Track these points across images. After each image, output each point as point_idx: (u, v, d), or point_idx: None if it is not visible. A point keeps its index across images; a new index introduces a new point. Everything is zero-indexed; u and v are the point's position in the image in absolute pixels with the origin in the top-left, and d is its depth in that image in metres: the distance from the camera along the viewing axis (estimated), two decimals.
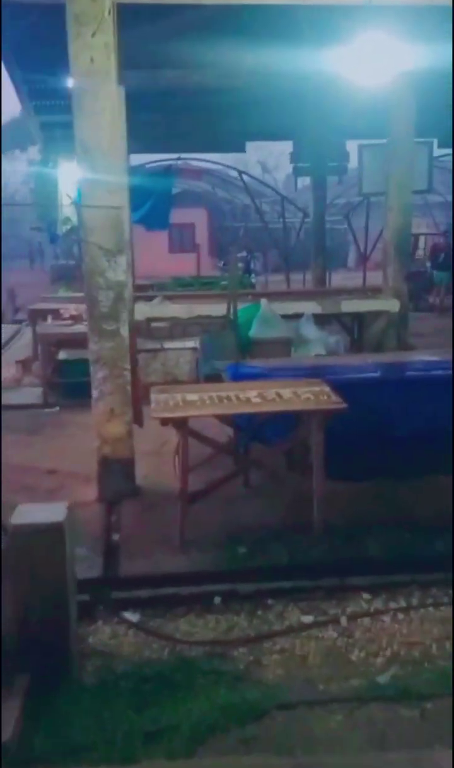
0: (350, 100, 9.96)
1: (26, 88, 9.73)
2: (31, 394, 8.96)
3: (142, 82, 7.89)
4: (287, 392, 4.66)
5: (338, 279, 18.07)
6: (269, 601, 3.86)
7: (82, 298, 5.62)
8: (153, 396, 4.63)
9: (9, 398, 8.84)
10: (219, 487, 4.59)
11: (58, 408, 8.26)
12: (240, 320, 8.73)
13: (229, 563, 4.19)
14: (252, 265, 21.21)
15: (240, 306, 8.89)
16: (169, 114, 11.67)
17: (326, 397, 4.54)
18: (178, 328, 9.42)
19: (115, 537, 4.73)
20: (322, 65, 7.82)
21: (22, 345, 12.41)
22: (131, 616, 3.80)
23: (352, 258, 32.14)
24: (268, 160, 62.23)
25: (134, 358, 5.41)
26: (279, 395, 4.61)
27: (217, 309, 9.16)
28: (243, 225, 28.68)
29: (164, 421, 4.34)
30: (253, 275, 17.77)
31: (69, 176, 10.89)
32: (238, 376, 5.45)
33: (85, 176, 4.72)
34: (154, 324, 9.39)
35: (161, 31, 7.60)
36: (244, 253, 25.92)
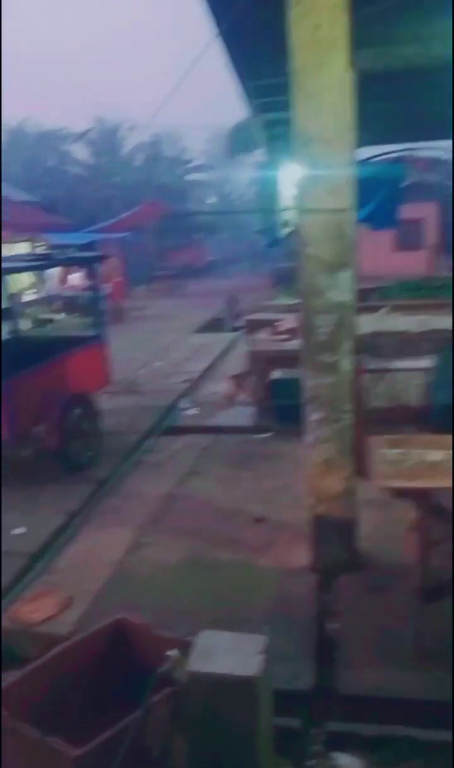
0: None
1: (251, 85, 9.01)
2: (242, 415, 8.28)
3: (371, 63, 6.79)
4: None
5: None
6: None
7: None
8: (381, 452, 3.56)
9: (220, 419, 8.26)
10: None
11: (270, 433, 7.48)
12: None
13: None
14: None
15: None
16: (399, 100, 10.37)
17: None
18: (409, 344, 8.20)
19: (330, 627, 3.75)
20: None
21: (239, 356, 11.84)
22: (351, 765, 2.80)
23: None
24: None
25: (359, 395, 4.38)
26: None
27: None
28: None
29: (397, 493, 3.27)
30: None
31: (289, 178, 10.16)
32: None
33: (304, 173, 3.76)
34: (379, 339, 8.28)
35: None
36: None
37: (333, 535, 4.17)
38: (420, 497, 3.20)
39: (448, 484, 3.15)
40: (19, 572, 4.72)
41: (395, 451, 3.55)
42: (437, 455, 3.44)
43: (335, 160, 3.70)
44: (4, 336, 8.17)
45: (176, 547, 4.90)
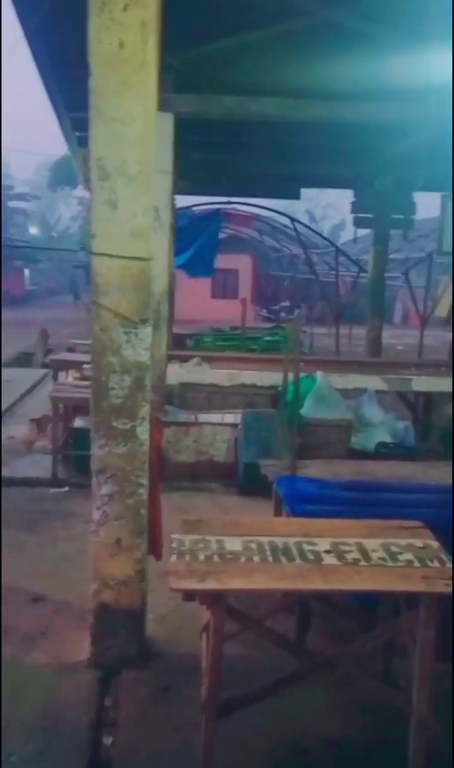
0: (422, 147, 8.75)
1: (61, 97, 8.30)
2: (39, 464, 7.51)
3: (194, 108, 6.62)
4: (374, 545, 3.11)
5: (384, 337, 16.31)
6: None
7: None
8: (174, 539, 3.11)
9: (13, 468, 7.41)
10: (270, 695, 3.00)
11: (66, 488, 6.82)
12: (290, 395, 7.28)
13: None
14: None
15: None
16: (221, 152, 10.45)
17: (436, 562, 2.97)
18: (218, 396, 7.98)
19: (107, 741, 3.18)
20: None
21: (46, 397, 10.93)
22: None
23: (398, 315, 30.94)
24: (315, 210, 61.69)
25: (157, 462, 3.91)
26: (363, 551, 3.05)
27: (266, 377, 7.73)
28: (290, 275, 27.51)
29: (188, 596, 2.80)
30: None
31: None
32: (294, 499, 3.94)
33: (98, 211, 3.29)
34: (188, 391, 7.99)
35: (218, 48, 6.37)
36: (286, 303, 24.64)
37: (117, 625, 3.62)
38: (215, 601, 2.76)
39: (242, 587, 2.74)
40: None
41: (191, 537, 3.10)
42: (235, 544, 3.03)
43: (138, 199, 3.26)
44: None
45: None
